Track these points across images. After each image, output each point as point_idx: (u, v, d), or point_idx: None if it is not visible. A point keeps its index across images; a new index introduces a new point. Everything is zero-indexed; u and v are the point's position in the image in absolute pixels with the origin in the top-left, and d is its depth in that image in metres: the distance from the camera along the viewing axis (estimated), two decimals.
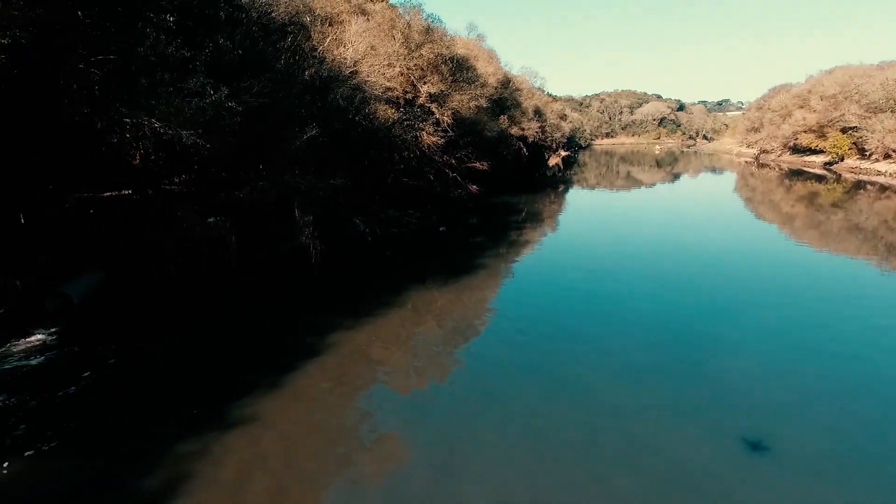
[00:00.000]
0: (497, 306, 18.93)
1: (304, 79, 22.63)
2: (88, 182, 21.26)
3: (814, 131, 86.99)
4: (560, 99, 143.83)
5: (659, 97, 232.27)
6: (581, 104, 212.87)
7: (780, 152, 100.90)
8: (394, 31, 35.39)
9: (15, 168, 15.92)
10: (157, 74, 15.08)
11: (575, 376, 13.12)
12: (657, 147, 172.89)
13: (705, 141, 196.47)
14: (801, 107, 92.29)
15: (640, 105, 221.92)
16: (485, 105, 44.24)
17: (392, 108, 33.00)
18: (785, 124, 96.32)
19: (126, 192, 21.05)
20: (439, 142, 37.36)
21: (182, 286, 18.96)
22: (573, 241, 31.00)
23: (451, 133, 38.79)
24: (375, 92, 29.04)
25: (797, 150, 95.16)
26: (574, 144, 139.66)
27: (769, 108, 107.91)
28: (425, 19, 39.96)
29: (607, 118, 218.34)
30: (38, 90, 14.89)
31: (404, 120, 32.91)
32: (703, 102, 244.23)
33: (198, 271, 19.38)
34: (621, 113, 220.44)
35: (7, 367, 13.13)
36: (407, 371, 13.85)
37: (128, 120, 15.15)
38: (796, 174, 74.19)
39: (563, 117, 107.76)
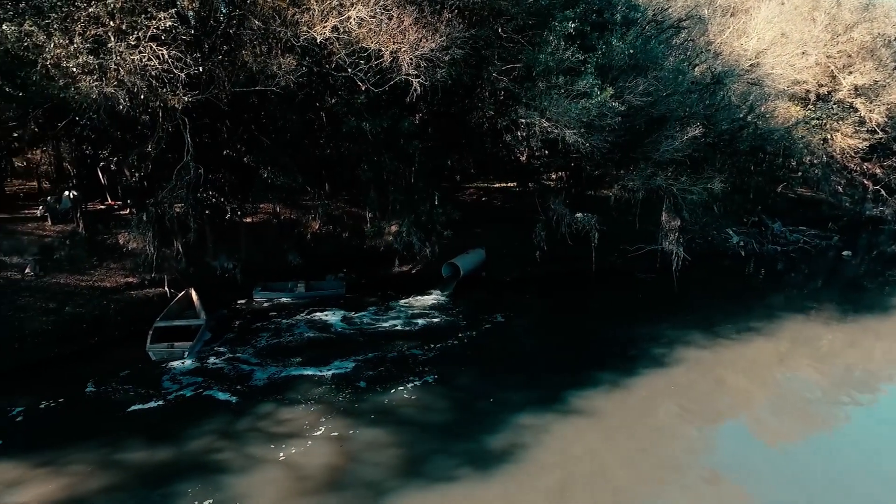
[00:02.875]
0: None
1: (692, 75, 21.29)
2: (484, 175, 25.20)
3: None
4: None
5: None
6: None
7: None
8: (815, 13, 29.77)
9: (438, 162, 20.01)
10: (553, 78, 16.51)
11: None
12: None
13: None
14: None
15: None
16: None
17: (797, 104, 28.05)
18: None
19: (511, 185, 24.07)
20: (859, 145, 29.98)
21: (546, 272, 20.66)
22: None
23: (879, 134, 30.62)
24: (778, 86, 25.12)
25: None
26: None
27: None
28: None
29: None
30: (460, 98, 18.27)
31: (812, 119, 27.55)
32: None
33: (562, 261, 20.79)
34: None
35: (413, 319, 16.85)
36: (766, 414, 11.79)
37: (523, 120, 17.15)
38: None
39: None
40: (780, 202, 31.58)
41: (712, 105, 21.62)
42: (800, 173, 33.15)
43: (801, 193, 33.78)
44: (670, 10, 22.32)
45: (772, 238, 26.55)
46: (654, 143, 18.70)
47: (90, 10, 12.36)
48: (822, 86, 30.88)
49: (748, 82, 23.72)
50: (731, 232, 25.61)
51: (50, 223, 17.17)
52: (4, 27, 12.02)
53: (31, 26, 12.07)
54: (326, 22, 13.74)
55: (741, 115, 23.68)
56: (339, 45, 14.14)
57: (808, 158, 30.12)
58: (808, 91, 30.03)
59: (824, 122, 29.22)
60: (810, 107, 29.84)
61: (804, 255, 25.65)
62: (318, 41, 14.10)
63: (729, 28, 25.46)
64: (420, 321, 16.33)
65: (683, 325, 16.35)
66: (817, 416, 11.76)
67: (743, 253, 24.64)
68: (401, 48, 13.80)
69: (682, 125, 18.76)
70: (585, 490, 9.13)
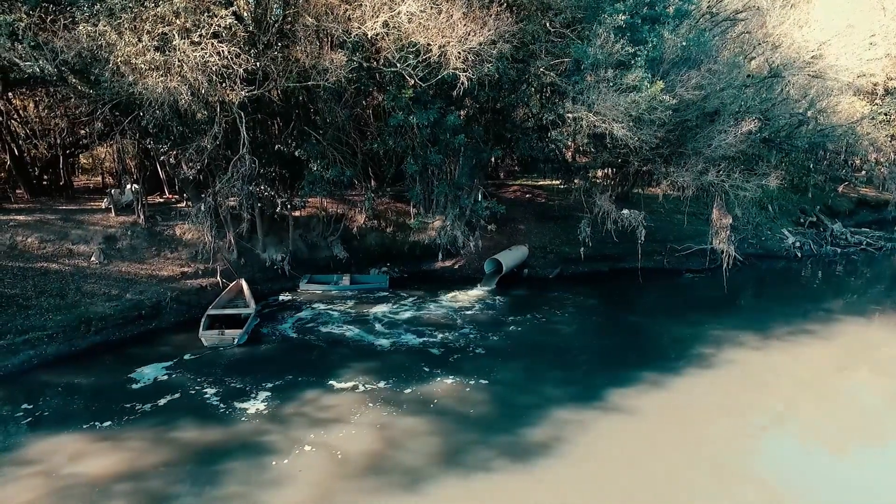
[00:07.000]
0: None
1: (748, 68, 20.48)
2: (529, 172, 25.02)
3: None
4: None
5: None
6: None
7: None
8: (885, 1, 28.11)
9: (483, 156, 20.01)
10: (602, 72, 16.23)
11: None
12: None
13: None
14: None
15: None
16: None
17: (862, 99, 26.57)
18: None
19: (556, 182, 23.82)
20: None
21: (590, 270, 20.39)
22: None
23: None
24: (843, 79, 23.84)
25: None
26: None
27: None
28: None
29: None
30: (507, 93, 18.21)
31: (879, 114, 26.07)
32: None
33: (607, 259, 20.50)
34: None
35: (454, 314, 16.97)
36: (819, 422, 11.30)
37: (570, 115, 16.93)
38: None
39: None
40: (841, 202, 30.10)
41: (769, 99, 20.72)
42: (864, 172, 31.47)
43: (865, 194, 32.08)
44: (726, 1, 21.55)
45: (831, 239, 25.26)
46: (706, 138, 18.10)
47: (157, 9, 13.00)
48: (892, 79, 29.11)
49: (809, 75, 22.62)
50: (786, 232, 24.54)
51: (113, 214, 18.16)
52: (80, 28, 12.77)
53: (104, 26, 12.78)
54: (377, 17, 13.99)
55: (800, 111, 22.61)
56: (389, 40, 14.37)
57: (874, 156, 28.51)
58: (875, 85, 28.35)
59: (892, 117, 27.60)
60: (878, 101, 28.20)
61: (867, 258, 24.33)
62: (369, 37, 14.36)
63: (789, 18, 24.36)
64: (462, 316, 16.41)
65: (732, 326, 15.81)
66: (875, 426, 11.19)
67: (799, 254, 23.58)
68: (449, 42, 13.88)
69: (736, 120, 18.07)
70: (624, 489, 9.01)
